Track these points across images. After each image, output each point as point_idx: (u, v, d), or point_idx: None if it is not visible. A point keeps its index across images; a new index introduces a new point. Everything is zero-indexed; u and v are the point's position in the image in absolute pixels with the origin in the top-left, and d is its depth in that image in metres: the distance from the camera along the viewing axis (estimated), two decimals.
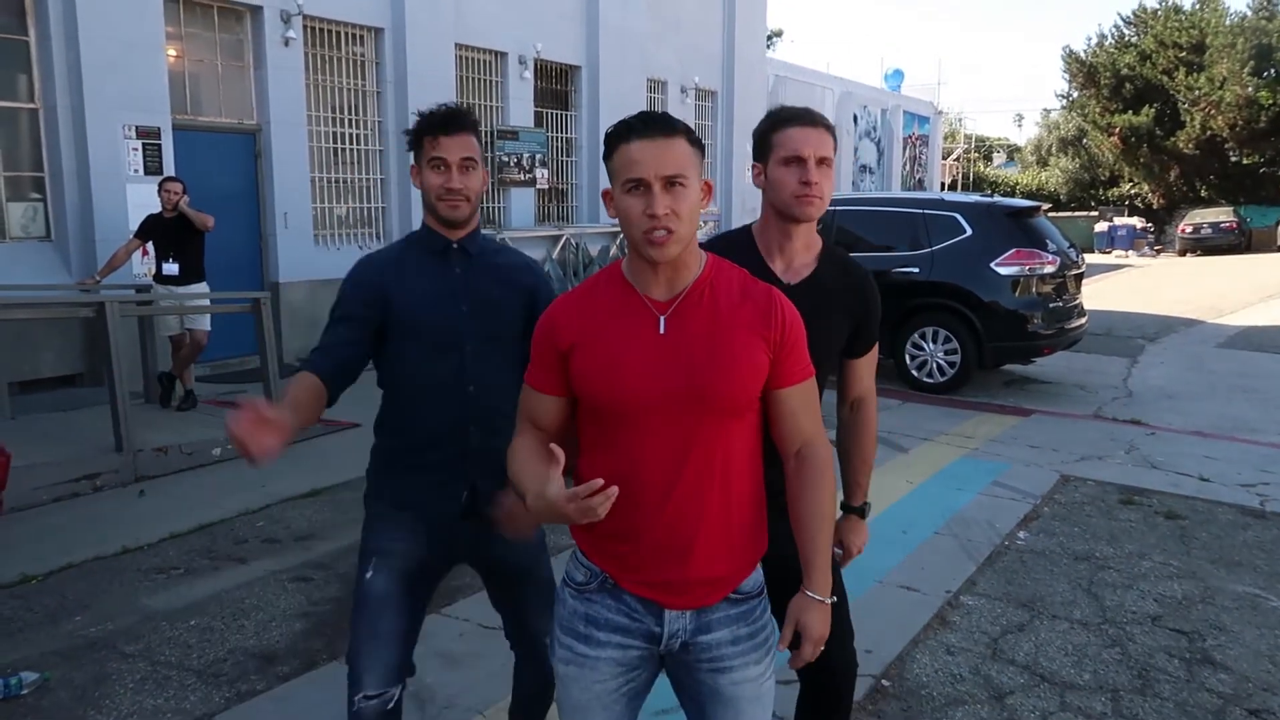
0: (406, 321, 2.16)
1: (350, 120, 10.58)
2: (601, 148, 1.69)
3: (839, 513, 2.26)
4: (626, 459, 1.65)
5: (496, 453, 1.86)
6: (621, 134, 1.62)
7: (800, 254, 2.15)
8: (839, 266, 2.19)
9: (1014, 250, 7.99)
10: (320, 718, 3.10)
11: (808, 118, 2.10)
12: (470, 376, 2.17)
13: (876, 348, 2.27)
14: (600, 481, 1.50)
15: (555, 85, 13.60)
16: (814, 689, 2.25)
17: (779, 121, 2.11)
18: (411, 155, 2.20)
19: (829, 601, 1.72)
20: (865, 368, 2.26)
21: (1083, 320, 8.68)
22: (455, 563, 2.33)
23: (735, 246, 2.15)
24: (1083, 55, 32.30)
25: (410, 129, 2.17)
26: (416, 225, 8.94)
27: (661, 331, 1.64)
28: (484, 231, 2.33)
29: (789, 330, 1.68)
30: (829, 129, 2.11)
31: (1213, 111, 28.42)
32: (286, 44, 9.47)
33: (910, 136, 27.28)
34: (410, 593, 2.20)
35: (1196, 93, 28.69)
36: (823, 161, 2.06)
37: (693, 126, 1.84)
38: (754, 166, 2.17)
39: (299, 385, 2.06)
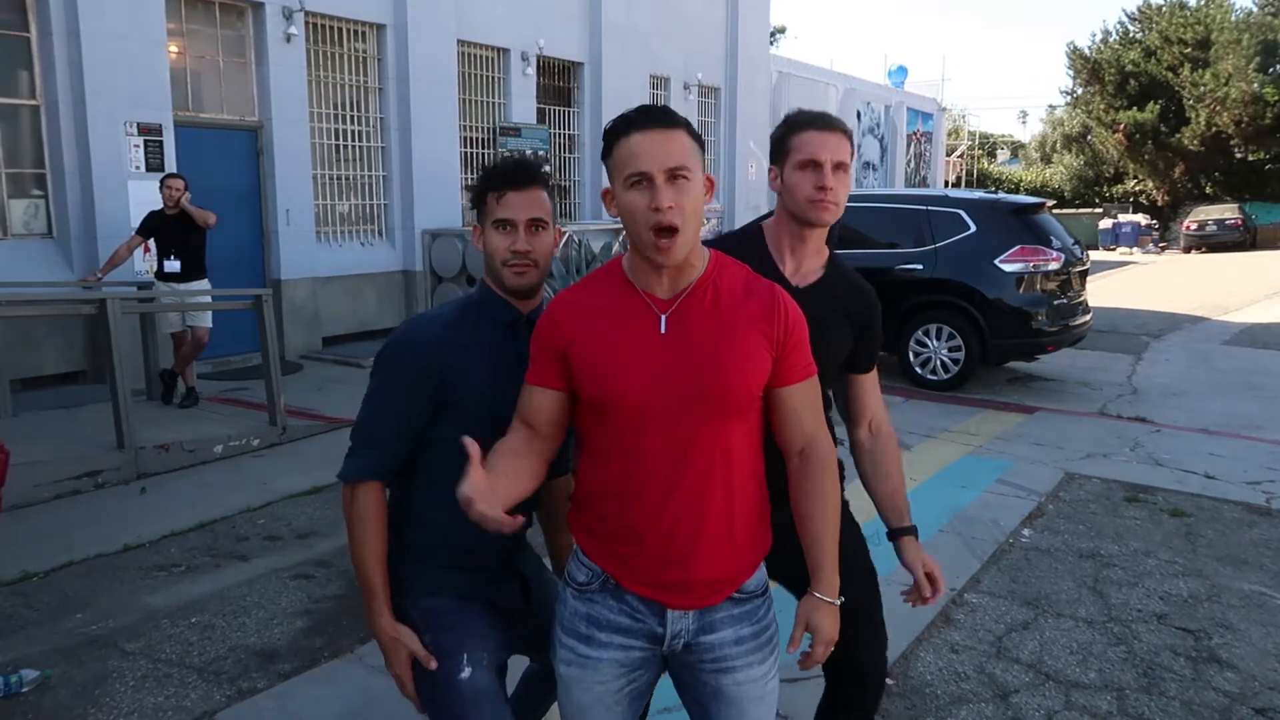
0: (465, 406, 1.87)
1: (352, 117, 10.56)
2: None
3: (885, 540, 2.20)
4: (628, 459, 1.63)
5: (527, 528, 1.78)
6: (621, 128, 1.59)
7: (811, 258, 2.11)
8: (845, 277, 2.16)
9: (1018, 247, 7.97)
10: (321, 716, 3.09)
11: (824, 122, 2.06)
12: None
13: (876, 370, 2.22)
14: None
15: (558, 82, 13.58)
16: (839, 694, 2.22)
17: (796, 125, 2.07)
18: (475, 214, 1.98)
19: (838, 603, 1.71)
20: (872, 384, 2.20)
21: (1087, 317, 8.65)
22: (515, 649, 2.10)
23: (746, 243, 2.12)
24: (1087, 51, 32.24)
25: (473, 184, 1.97)
26: (419, 222, 8.98)
27: (663, 331, 1.62)
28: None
29: (792, 328, 1.66)
30: (846, 134, 2.06)
31: (1218, 108, 28.35)
32: (288, 40, 9.45)
33: (914, 133, 27.24)
34: (504, 688, 1.99)
35: (1202, 89, 28.61)
36: (839, 167, 2.02)
37: (696, 123, 1.81)
38: (770, 170, 2.13)
39: (373, 531, 1.89)
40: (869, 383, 2.20)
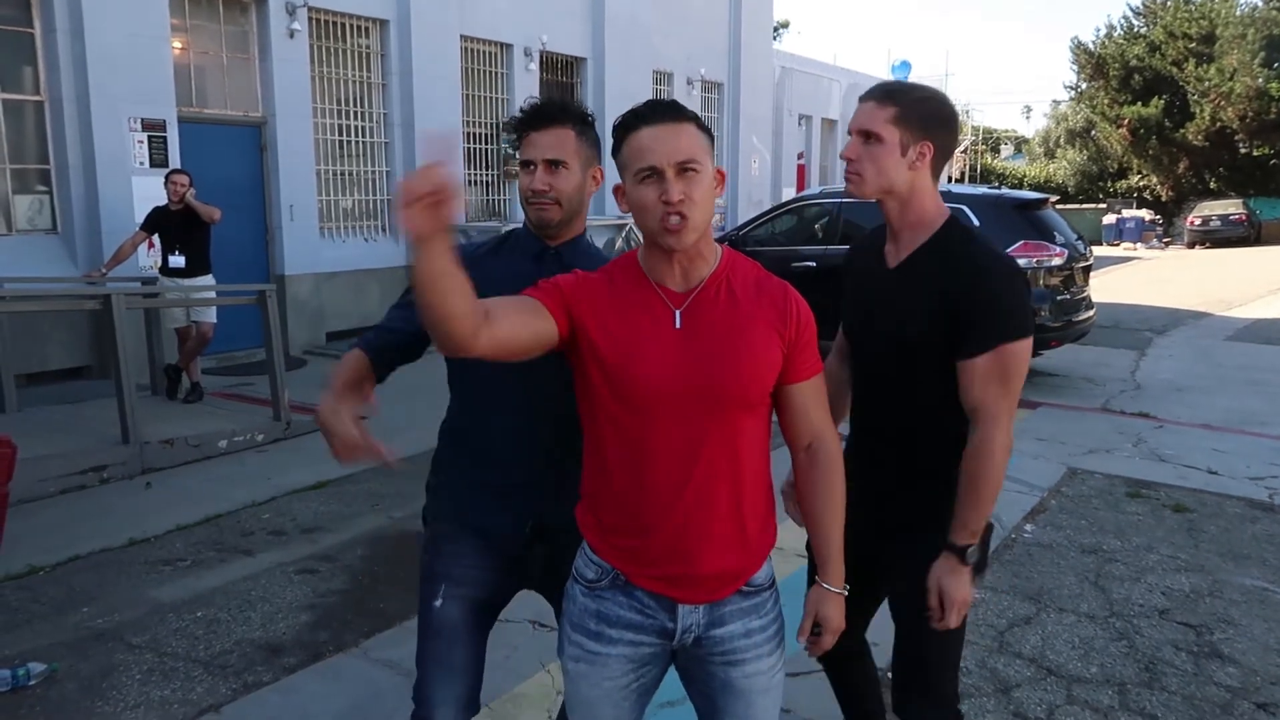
0: None
1: (355, 113, 10.57)
2: (607, 140, 1.67)
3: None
4: (639, 452, 1.64)
5: (568, 478, 1.80)
6: (630, 123, 1.61)
7: (906, 233, 2.04)
8: (942, 259, 1.98)
9: (1021, 243, 7.94)
10: (326, 709, 3.11)
11: (867, 98, 2.05)
12: (546, 392, 1.88)
13: (997, 361, 1.88)
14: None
15: (561, 77, 13.57)
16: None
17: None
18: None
19: (844, 592, 1.75)
20: (970, 375, 1.90)
21: (1091, 313, 8.63)
22: (522, 588, 2.12)
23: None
24: (1091, 46, 32.14)
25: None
26: None
27: (677, 325, 1.64)
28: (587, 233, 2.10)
29: (803, 326, 1.69)
30: (886, 99, 2.00)
31: (1222, 103, 28.26)
32: (292, 36, 9.46)
33: None
34: (479, 624, 2.04)
35: (1206, 84, 28.52)
36: (870, 137, 1.96)
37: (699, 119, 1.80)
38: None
39: (345, 366, 1.93)
40: (969, 370, 1.90)
